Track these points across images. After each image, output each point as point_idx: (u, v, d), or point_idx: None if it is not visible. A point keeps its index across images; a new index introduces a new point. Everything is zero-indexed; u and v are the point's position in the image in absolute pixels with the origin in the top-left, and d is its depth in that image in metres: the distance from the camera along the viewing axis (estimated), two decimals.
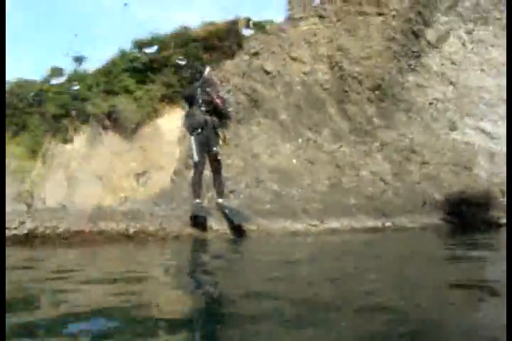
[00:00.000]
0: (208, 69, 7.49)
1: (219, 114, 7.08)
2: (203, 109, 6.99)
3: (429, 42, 11.59)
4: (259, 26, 12.47)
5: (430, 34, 11.55)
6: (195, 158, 6.94)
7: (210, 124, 6.98)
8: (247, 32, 12.07)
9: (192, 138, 7.02)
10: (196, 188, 6.96)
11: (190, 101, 7.11)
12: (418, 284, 2.44)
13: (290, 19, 12.07)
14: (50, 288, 2.55)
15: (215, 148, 7.05)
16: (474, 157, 10.78)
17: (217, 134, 7.17)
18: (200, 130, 6.95)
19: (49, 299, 2.28)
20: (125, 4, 17.39)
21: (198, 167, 6.95)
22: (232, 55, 11.87)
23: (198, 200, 6.90)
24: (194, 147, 6.96)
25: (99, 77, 13.86)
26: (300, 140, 10.51)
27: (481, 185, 10.00)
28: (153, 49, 13.36)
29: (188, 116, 7.14)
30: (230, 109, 7.50)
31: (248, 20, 12.42)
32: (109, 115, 12.83)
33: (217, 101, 6.96)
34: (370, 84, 10.95)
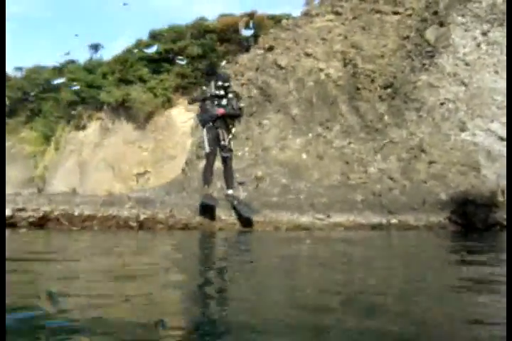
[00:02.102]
0: (223, 63, 7.65)
1: (231, 116, 7.28)
2: (216, 102, 7.18)
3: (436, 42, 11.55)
4: (276, 20, 12.55)
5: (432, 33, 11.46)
6: (207, 149, 7.14)
7: (221, 118, 7.17)
8: (247, 32, 12.05)
9: (204, 130, 7.22)
10: (206, 178, 7.14)
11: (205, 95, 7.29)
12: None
13: (306, 15, 12.15)
14: None
15: (225, 141, 7.23)
16: (482, 158, 10.82)
17: (228, 127, 7.34)
18: (211, 123, 7.14)
19: None
20: (124, 4, 17.68)
21: (210, 158, 7.14)
22: (248, 48, 11.97)
23: (207, 190, 7.09)
24: (206, 139, 7.17)
25: (115, 66, 14.05)
26: (310, 135, 10.63)
27: (488, 186, 10.06)
28: (153, 49, 13.41)
29: (201, 109, 7.33)
30: (241, 104, 7.65)
31: (249, 19, 12.41)
32: (122, 104, 13.02)
33: (221, 111, 7.12)
34: (383, 82, 11.02)
